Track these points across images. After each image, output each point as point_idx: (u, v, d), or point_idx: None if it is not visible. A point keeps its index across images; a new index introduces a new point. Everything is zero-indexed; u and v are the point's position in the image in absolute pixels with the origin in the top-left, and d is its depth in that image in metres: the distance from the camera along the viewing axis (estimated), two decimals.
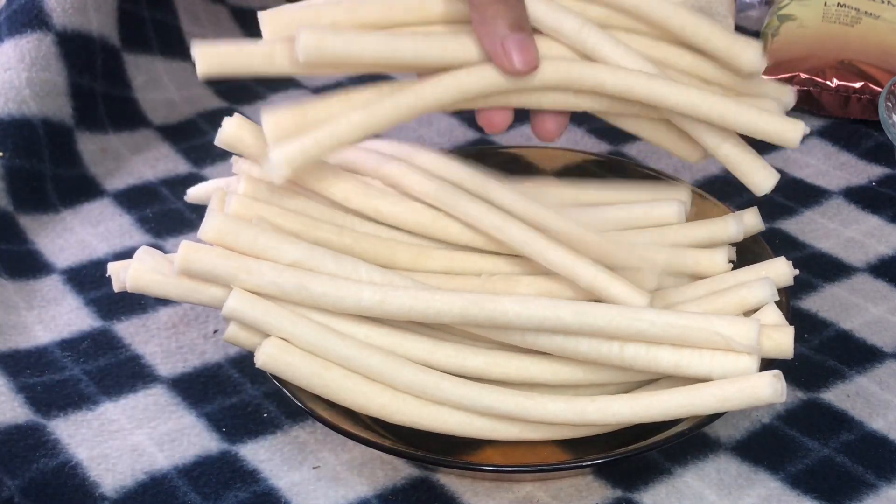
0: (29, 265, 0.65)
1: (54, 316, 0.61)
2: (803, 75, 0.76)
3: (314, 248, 0.51)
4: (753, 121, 0.53)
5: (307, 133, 0.50)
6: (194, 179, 0.72)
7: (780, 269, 0.54)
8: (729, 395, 0.49)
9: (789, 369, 0.53)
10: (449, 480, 0.52)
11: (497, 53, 0.50)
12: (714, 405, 0.49)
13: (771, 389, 0.48)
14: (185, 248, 0.50)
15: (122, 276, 0.53)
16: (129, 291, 0.52)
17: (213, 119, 0.78)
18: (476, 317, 0.49)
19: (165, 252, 0.55)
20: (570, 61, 0.52)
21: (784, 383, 0.48)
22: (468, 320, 0.50)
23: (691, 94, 0.52)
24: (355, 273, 0.51)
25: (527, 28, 0.51)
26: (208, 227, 0.50)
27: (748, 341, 0.49)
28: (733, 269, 0.56)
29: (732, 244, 0.57)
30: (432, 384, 0.50)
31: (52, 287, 0.63)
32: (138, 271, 0.51)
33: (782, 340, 0.50)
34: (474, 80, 0.51)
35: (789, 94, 0.56)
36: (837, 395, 0.55)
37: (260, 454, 0.53)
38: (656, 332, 0.49)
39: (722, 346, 0.49)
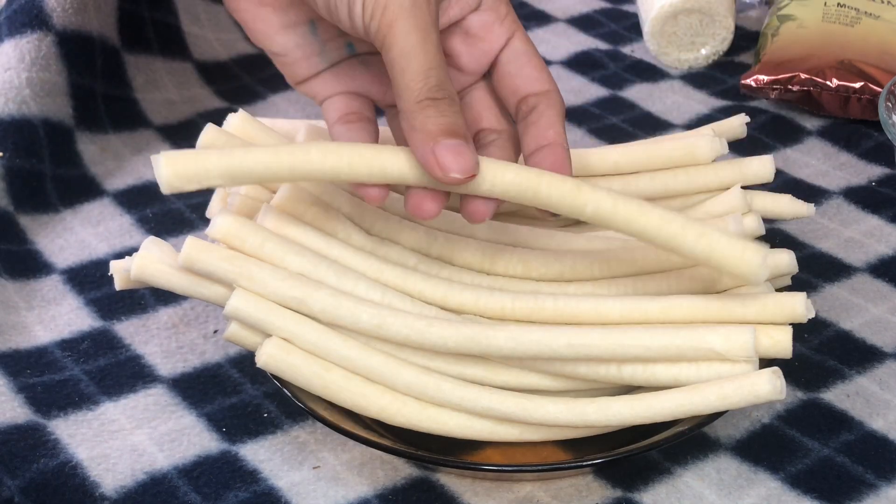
0: (29, 265, 0.65)
1: (54, 316, 0.61)
2: (803, 75, 0.76)
3: (319, 261, 0.51)
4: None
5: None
6: None
7: (782, 260, 0.54)
8: (728, 392, 0.49)
9: (789, 369, 0.53)
10: (449, 480, 0.52)
11: (429, 163, 0.46)
12: (714, 404, 0.49)
13: (770, 386, 0.48)
14: (190, 245, 0.50)
15: (125, 272, 0.53)
16: (133, 280, 0.52)
17: (213, 119, 0.77)
18: (471, 350, 0.50)
19: None
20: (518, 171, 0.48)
21: (783, 380, 0.48)
22: (463, 352, 0.50)
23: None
24: (355, 289, 0.51)
25: (462, 133, 0.46)
26: (217, 225, 0.50)
27: (744, 352, 0.49)
28: None
29: None
30: (432, 385, 0.50)
31: (52, 287, 0.63)
32: (145, 260, 0.51)
33: (781, 339, 0.50)
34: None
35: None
36: (837, 395, 0.55)
37: (260, 454, 0.53)
38: (652, 355, 0.49)
39: (718, 359, 0.49)
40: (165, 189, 0.46)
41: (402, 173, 0.47)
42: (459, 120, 0.47)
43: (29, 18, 0.71)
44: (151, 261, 0.51)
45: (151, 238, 0.52)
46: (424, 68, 0.46)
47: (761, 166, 0.58)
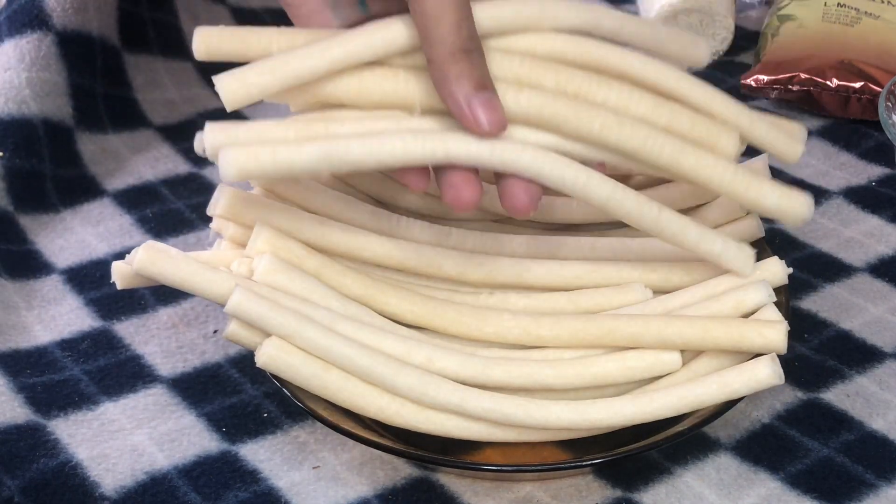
0: (29, 265, 0.65)
1: (54, 316, 0.61)
2: (803, 75, 0.76)
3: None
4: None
5: (265, 146, 0.49)
6: (194, 179, 0.72)
7: (774, 269, 0.54)
8: (729, 380, 0.49)
9: (789, 369, 0.53)
10: (449, 480, 0.52)
11: (464, 115, 0.47)
12: (716, 393, 0.49)
13: (769, 370, 0.49)
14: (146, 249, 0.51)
15: (126, 273, 0.53)
16: (135, 273, 0.52)
17: (214, 119, 0.77)
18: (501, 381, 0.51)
19: None
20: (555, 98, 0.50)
21: (780, 365, 0.49)
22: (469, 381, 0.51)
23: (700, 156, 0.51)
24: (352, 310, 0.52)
25: (491, 86, 0.48)
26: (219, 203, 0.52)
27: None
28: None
29: None
30: (433, 386, 0.50)
31: (52, 287, 0.63)
32: (148, 252, 0.51)
33: (773, 337, 0.50)
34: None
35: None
36: (837, 395, 0.55)
37: (260, 454, 0.53)
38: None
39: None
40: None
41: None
42: (487, 72, 0.48)
43: (29, 18, 0.71)
44: (154, 255, 0.51)
45: (150, 242, 0.52)
46: (458, 19, 0.47)
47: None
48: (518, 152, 0.48)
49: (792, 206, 0.52)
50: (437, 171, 0.50)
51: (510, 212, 0.50)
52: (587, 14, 0.51)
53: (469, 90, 0.47)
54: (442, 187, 0.49)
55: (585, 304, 0.54)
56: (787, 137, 0.54)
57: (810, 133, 0.76)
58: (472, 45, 0.48)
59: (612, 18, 0.52)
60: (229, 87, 0.49)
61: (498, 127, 0.48)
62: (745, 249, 0.53)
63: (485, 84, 0.48)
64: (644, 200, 0.51)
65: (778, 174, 0.71)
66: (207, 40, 0.51)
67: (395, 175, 0.51)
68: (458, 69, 0.47)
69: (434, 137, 0.48)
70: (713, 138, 0.52)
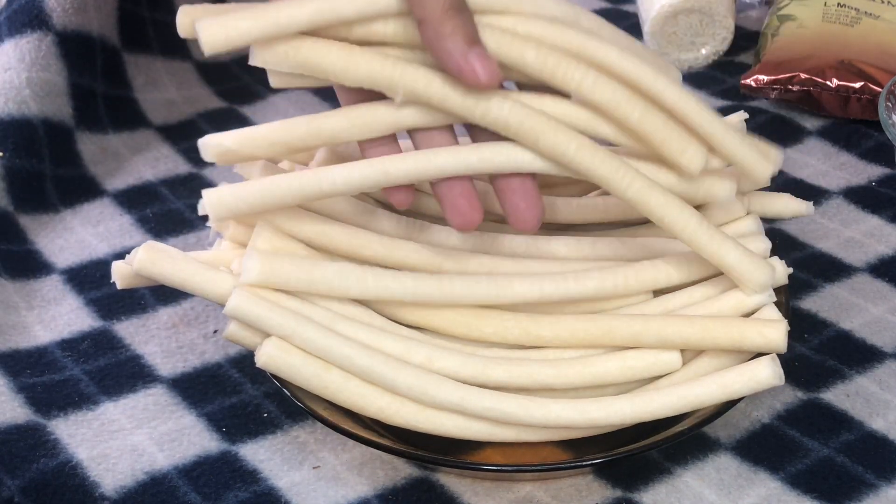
0: (29, 265, 0.65)
1: (54, 316, 0.61)
2: (803, 75, 0.76)
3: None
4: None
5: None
6: (194, 179, 0.72)
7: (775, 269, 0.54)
8: (729, 381, 0.49)
9: (789, 369, 0.53)
10: (449, 480, 0.52)
11: (461, 69, 0.48)
12: (716, 394, 0.49)
13: (769, 371, 0.49)
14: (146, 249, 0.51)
15: (126, 273, 0.53)
16: (135, 272, 0.52)
17: (213, 119, 0.78)
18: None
19: None
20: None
21: (780, 367, 0.49)
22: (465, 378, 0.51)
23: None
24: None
25: (482, 42, 0.49)
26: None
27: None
28: None
29: None
30: (433, 385, 0.50)
31: (52, 287, 0.63)
32: (148, 253, 0.51)
33: (773, 337, 0.50)
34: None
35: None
36: (837, 395, 0.56)
37: (260, 454, 0.53)
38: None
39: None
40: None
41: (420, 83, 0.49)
42: (477, 29, 0.49)
43: (29, 18, 0.71)
44: (154, 255, 0.51)
45: (150, 242, 0.52)
46: None
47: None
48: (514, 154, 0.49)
49: (751, 272, 0.51)
50: (438, 196, 0.51)
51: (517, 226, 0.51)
52: (567, 8, 0.52)
53: (464, 45, 0.48)
54: (444, 208, 0.50)
55: (585, 304, 0.54)
56: (759, 155, 0.53)
57: (810, 133, 0.76)
58: (462, 4, 0.48)
59: (592, 20, 0.52)
60: (210, 30, 0.49)
61: (495, 78, 0.48)
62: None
63: (476, 40, 0.48)
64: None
65: (778, 174, 0.71)
66: (192, 17, 0.51)
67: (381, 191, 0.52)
68: (451, 25, 0.48)
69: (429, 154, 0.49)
70: (682, 146, 0.51)
